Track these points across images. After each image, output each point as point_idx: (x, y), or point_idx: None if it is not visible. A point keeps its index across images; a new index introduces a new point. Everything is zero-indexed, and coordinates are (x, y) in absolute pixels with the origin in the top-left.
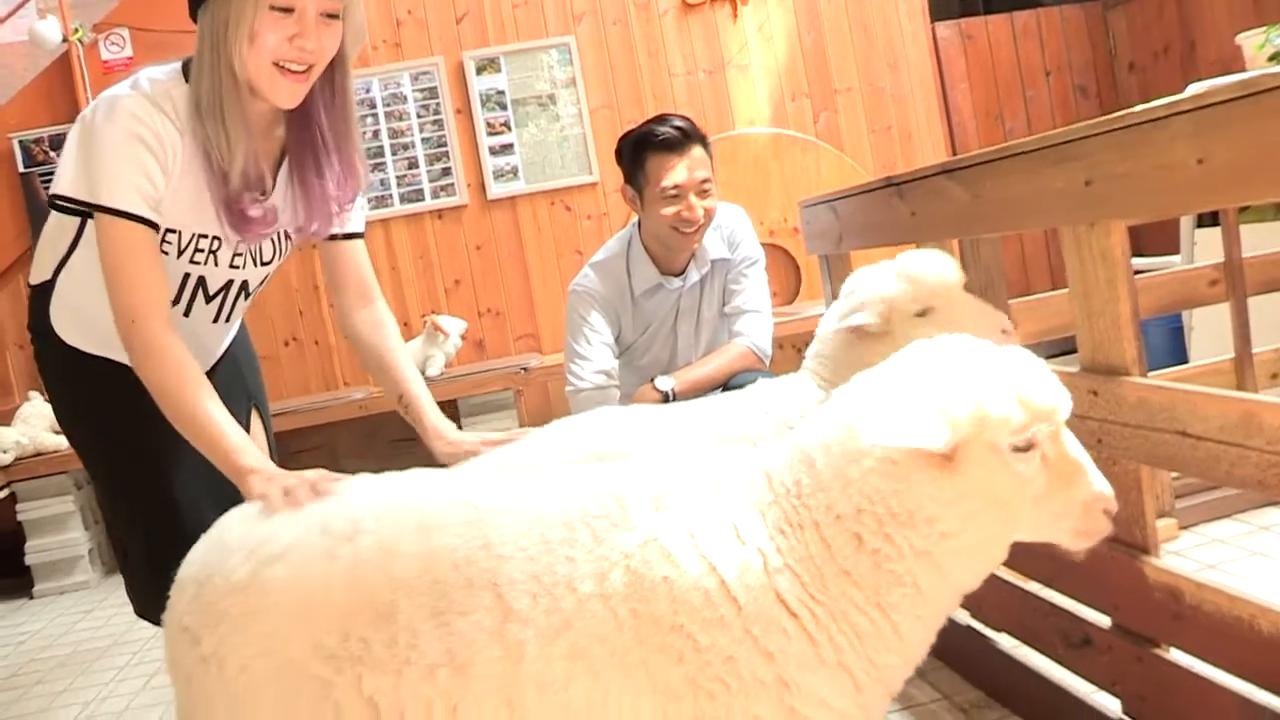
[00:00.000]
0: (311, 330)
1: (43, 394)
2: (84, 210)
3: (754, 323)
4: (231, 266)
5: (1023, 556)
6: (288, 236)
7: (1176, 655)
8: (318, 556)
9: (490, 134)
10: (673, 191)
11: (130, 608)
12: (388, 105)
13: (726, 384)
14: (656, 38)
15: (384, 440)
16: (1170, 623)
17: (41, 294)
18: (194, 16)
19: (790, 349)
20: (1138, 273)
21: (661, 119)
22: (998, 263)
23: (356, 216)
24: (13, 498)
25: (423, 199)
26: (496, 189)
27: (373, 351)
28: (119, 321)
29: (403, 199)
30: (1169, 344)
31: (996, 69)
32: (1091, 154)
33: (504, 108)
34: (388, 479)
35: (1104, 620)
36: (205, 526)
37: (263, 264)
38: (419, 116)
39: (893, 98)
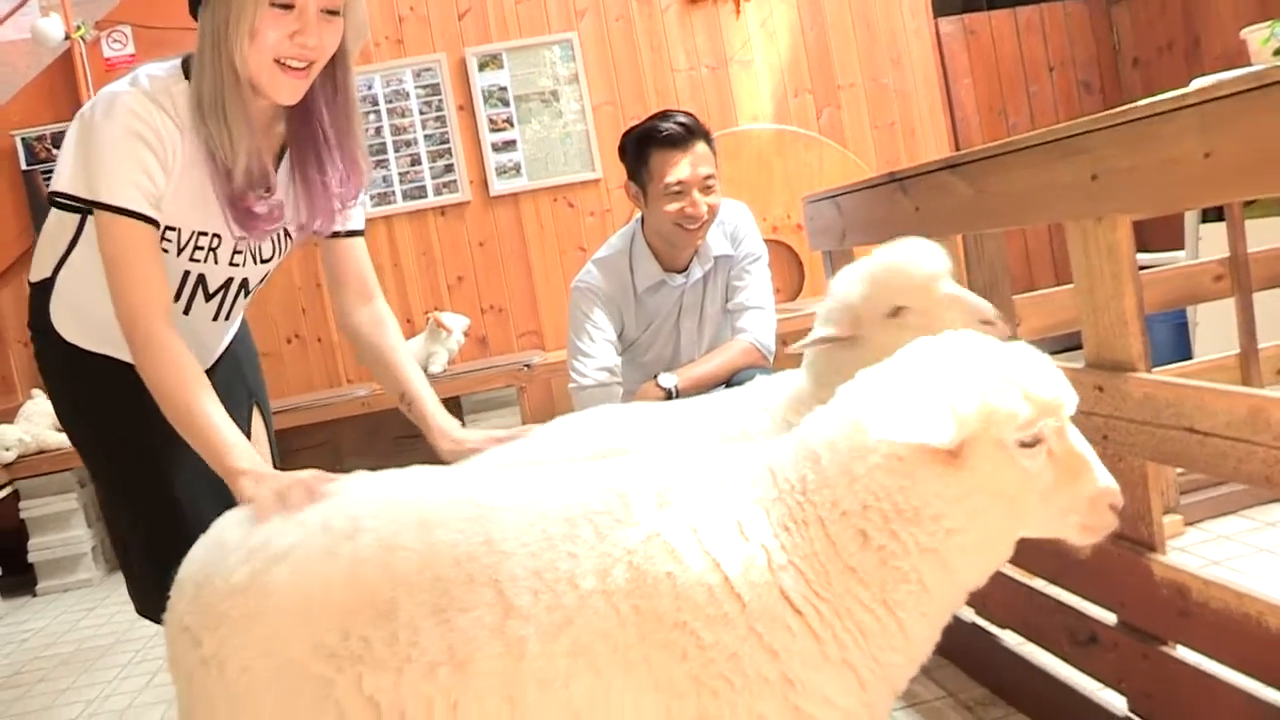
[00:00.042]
0: (314, 327)
1: (45, 392)
2: (84, 207)
3: (757, 319)
4: (231, 264)
5: (1028, 553)
6: (288, 235)
7: (1183, 652)
8: (318, 555)
9: (493, 130)
10: (676, 188)
11: (132, 605)
12: (390, 102)
13: (729, 381)
14: (659, 33)
15: (387, 438)
16: (1177, 620)
17: (41, 291)
18: (194, 14)
19: None
20: (1142, 268)
21: (665, 115)
22: (1001, 258)
23: (357, 214)
24: (16, 495)
25: (425, 196)
26: (499, 185)
27: (374, 350)
28: (121, 319)
29: (405, 196)
30: (1173, 340)
31: (1000, 64)
32: (1097, 148)
33: (506, 104)
34: (387, 476)
35: (1110, 617)
36: (206, 525)
37: (262, 262)
38: (421, 113)
39: (896, 93)
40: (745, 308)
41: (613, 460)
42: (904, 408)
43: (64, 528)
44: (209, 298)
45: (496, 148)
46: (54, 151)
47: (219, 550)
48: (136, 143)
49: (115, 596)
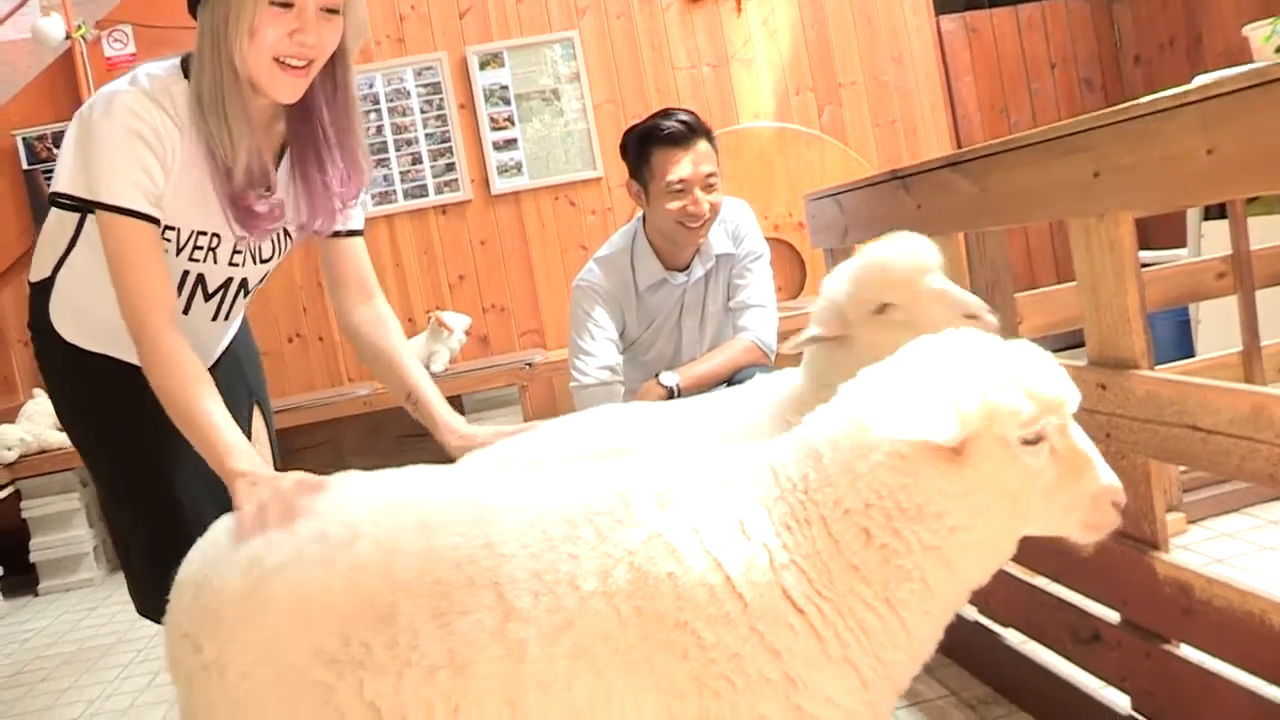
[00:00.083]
0: (315, 326)
1: (46, 391)
2: (83, 207)
3: (758, 318)
4: (230, 264)
5: (1031, 552)
6: (288, 234)
7: (1186, 651)
8: (316, 561)
9: (494, 129)
10: (678, 186)
11: (133, 605)
12: (391, 101)
13: (731, 379)
14: (660, 32)
15: (389, 436)
16: (1180, 618)
17: (41, 291)
18: (193, 13)
19: None
20: (1144, 266)
21: (666, 113)
22: (1003, 256)
23: (357, 214)
24: (17, 495)
25: (427, 195)
26: (500, 184)
27: (376, 349)
28: (126, 318)
29: (407, 195)
30: (1176, 337)
31: (1001, 62)
32: (1099, 145)
33: (508, 103)
34: (381, 477)
35: (1113, 616)
36: (206, 525)
37: (262, 262)
38: (423, 112)
39: (897, 91)
40: (747, 306)
41: (613, 460)
42: (906, 405)
43: (66, 527)
44: (208, 298)
45: (498, 146)
46: (55, 151)
47: (217, 554)
48: (136, 141)
49: (117, 596)
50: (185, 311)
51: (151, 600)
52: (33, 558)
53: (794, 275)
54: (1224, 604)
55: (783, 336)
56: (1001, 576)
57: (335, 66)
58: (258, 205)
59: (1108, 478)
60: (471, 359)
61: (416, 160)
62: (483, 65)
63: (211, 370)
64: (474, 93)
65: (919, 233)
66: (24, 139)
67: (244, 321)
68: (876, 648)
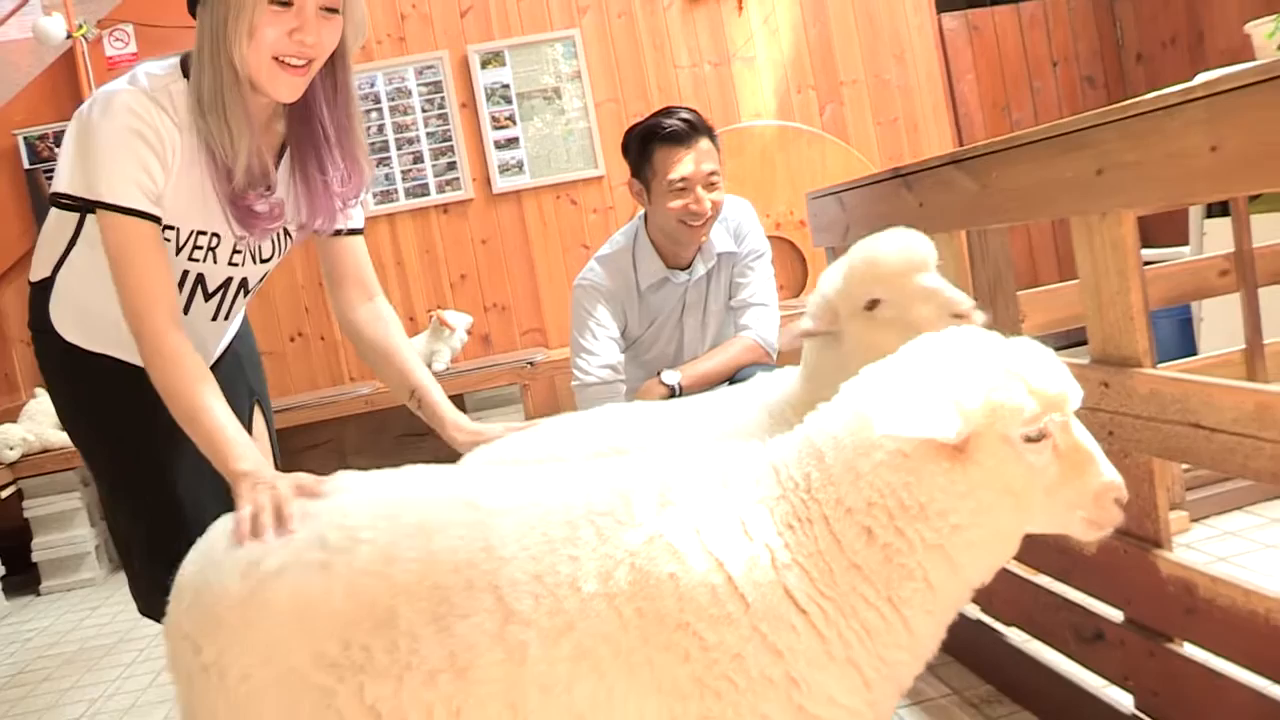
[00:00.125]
0: (317, 326)
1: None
2: (84, 207)
3: (760, 316)
4: (230, 264)
5: (1033, 550)
6: (288, 234)
7: (1190, 650)
8: (316, 563)
9: (495, 128)
10: (680, 184)
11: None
12: (392, 100)
13: (733, 378)
14: (661, 30)
15: (391, 435)
16: (1183, 617)
17: (41, 291)
18: (193, 12)
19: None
20: (1147, 263)
21: (668, 111)
22: (1005, 253)
23: (357, 213)
24: (19, 494)
25: (428, 194)
26: (502, 183)
27: (377, 348)
28: (127, 317)
29: (408, 194)
30: (1178, 336)
31: (1003, 60)
32: (1102, 142)
33: (509, 101)
34: (384, 477)
35: (1116, 614)
36: (207, 524)
37: (262, 261)
38: (424, 111)
39: (899, 90)
40: (748, 304)
41: (614, 459)
42: (909, 403)
43: (67, 527)
44: (208, 297)
45: (499, 145)
46: (56, 150)
47: (217, 555)
48: (136, 141)
49: (118, 595)
50: (185, 311)
51: (153, 599)
52: (35, 557)
53: (796, 274)
54: (1228, 602)
55: None
56: (1004, 575)
57: (335, 66)
58: (257, 205)
59: (1110, 474)
60: (473, 358)
61: (418, 159)
62: (484, 64)
63: (212, 370)
64: (475, 91)
65: (921, 231)
66: (25, 138)
67: (245, 321)
68: (879, 647)
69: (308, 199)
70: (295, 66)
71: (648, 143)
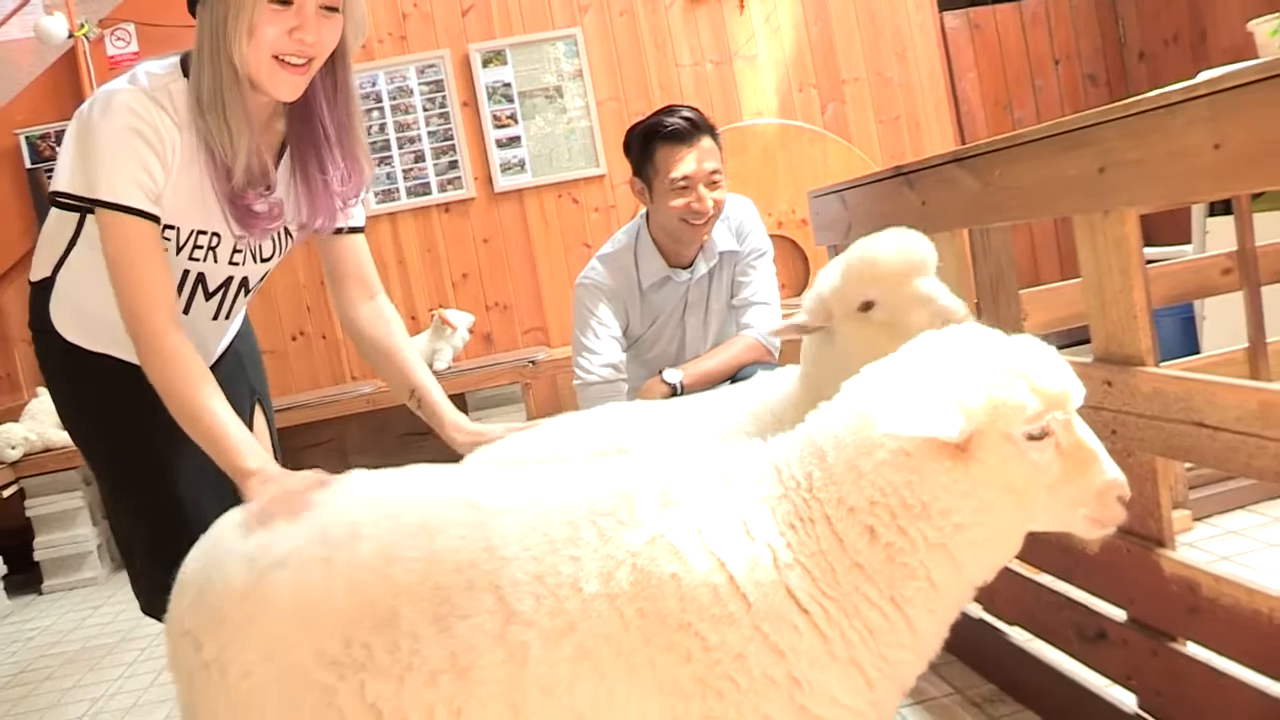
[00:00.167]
0: (319, 324)
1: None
2: (84, 206)
3: (762, 315)
4: (231, 263)
5: (1036, 549)
6: (288, 233)
7: (1193, 649)
8: (317, 562)
9: (497, 127)
10: (682, 183)
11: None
12: (394, 99)
13: (734, 376)
14: (663, 29)
15: (392, 434)
16: (1186, 616)
17: (41, 291)
18: (193, 11)
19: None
20: (1149, 262)
21: (670, 110)
22: (1008, 252)
23: (358, 211)
24: (21, 494)
25: (430, 192)
26: (503, 182)
27: (378, 348)
28: (125, 317)
29: (409, 193)
30: (1180, 334)
31: (1005, 58)
32: (1105, 140)
33: (510, 100)
34: (385, 476)
35: (1119, 614)
36: (208, 523)
37: (262, 260)
38: (425, 110)
39: (900, 88)
40: (750, 303)
41: (615, 459)
42: (911, 402)
43: (69, 526)
44: (209, 296)
45: (501, 144)
46: (58, 150)
47: (219, 552)
48: (136, 140)
49: (120, 594)
50: (186, 311)
51: (155, 598)
52: (37, 556)
53: (797, 272)
54: (1231, 602)
55: None
56: (1007, 574)
57: (335, 65)
58: (256, 205)
59: (1113, 472)
60: (475, 357)
61: (419, 158)
62: (485, 63)
63: (213, 369)
64: (477, 90)
65: (923, 229)
66: (27, 138)
67: (245, 320)
68: (882, 647)
69: (308, 198)
70: (295, 65)
71: (649, 141)
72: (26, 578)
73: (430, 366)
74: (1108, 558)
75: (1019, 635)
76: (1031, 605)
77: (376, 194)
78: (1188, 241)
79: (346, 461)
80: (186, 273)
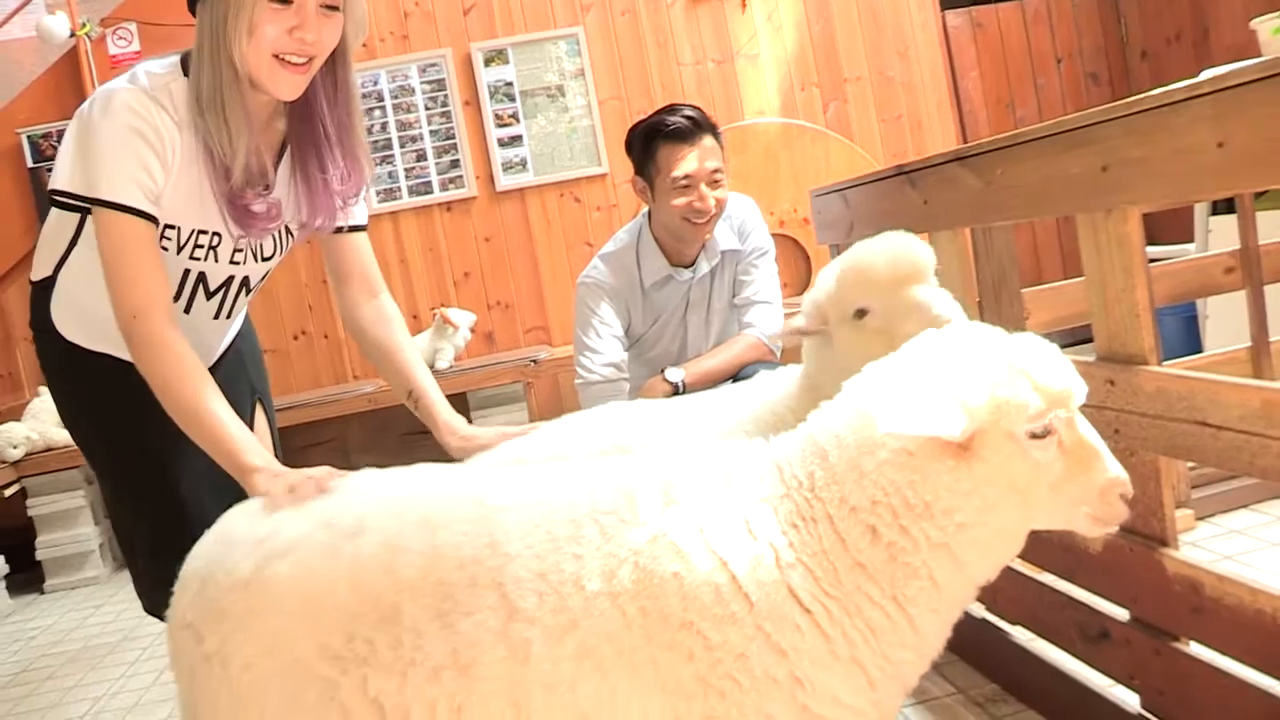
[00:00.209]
0: (321, 324)
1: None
2: (83, 206)
3: (764, 314)
4: (232, 262)
5: (1039, 548)
6: (289, 232)
7: (1196, 649)
8: (322, 554)
9: (499, 126)
10: (684, 182)
11: (140, 603)
12: (395, 98)
13: (736, 375)
14: (665, 28)
15: (394, 434)
16: (1190, 616)
17: (42, 290)
18: (193, 10)
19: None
20: (1152, 261)
21: (671, 109)
22: (1010, 251)
23: (360, 210)
24: (23, 493)
25: (431, 191)
26: (505, 181)
27: (379, 347)
28: (119, 317)
29: (411, 191)
30: (1183, 333)
31: (1007, 57)
32: (1108, 139)
33: (512, 99)
34: (394, 474)
35: (1122, 613)
36: (209, 522)
37: (264, 259)
38: (427, 109)
39: (902, 86)
40: (752, 302)
41: (618, 458)
42: (913, 401)
43: (71, 525)
44: (210, 296)
45: (502, 143)
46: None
47: (223, 546)
48: (135, 139)
49: (122, 594)
50: (187, 310)
51: (157, 597)
52: (38, 555)
53: (799, 271)
54: (1234, 601)
55: None
56: (1009, 573)
57: (335, 64)
58: (255, 205)
59: (1115, 470)
60: (476, 356)
61: (421, 157)
62: (487, 62)
63: (214, 368)
64: (479, 89)
65: (925, 228)
66: (29, 137)
67: (246, 318)
68: (884, 646)
69: (308, 197)
70: (295, 64)
71: (651, 140)
72: (28, 577)
73: (432, 365)
74: (1111, 557)
75: (1021, 635)
76: (1034, 605)
77: (378, 193)
78: (1190, 240)
79: (348, 461)
80: (187, 272)
